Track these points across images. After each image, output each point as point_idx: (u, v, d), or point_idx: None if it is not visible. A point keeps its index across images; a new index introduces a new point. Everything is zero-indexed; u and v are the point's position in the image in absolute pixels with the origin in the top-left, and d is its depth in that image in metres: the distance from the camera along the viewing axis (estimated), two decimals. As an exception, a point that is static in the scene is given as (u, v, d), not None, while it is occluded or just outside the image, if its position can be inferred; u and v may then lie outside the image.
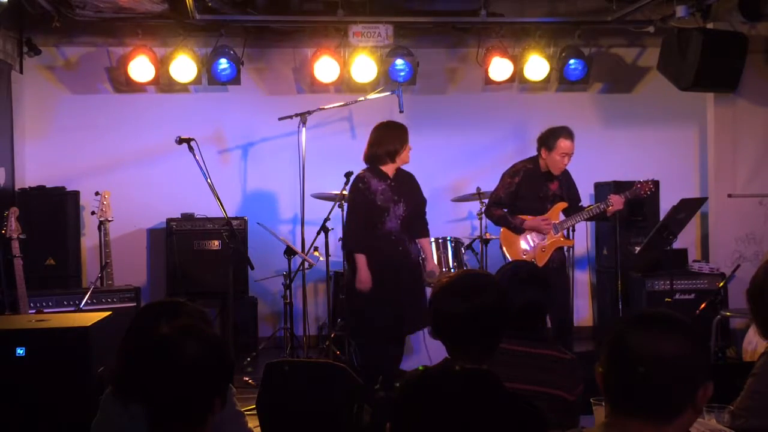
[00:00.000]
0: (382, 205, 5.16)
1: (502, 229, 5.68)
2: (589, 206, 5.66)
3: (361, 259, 5.11)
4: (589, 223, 7.28)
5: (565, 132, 5.48)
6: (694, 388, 1.66)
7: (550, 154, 5.47)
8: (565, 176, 5.67)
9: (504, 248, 5.64)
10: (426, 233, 5.48)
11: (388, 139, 5.22)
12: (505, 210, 5.58)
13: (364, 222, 5.17)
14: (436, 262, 6.10)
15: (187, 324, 1.95)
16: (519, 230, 5.53)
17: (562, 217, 5.61)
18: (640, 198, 5.80)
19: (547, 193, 5.58)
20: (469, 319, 2.31)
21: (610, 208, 5.53)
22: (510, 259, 5.54)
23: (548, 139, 5.49)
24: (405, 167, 5.34)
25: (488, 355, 2.35)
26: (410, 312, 5.18)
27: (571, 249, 6.10)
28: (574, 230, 6.02)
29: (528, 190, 5.56)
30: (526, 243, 5.56)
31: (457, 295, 2.34)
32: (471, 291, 2.34)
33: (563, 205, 5.61)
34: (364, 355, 5.58)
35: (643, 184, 5.66)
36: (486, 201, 6.47)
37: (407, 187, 5.31)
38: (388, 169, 5.23)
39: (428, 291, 5.10)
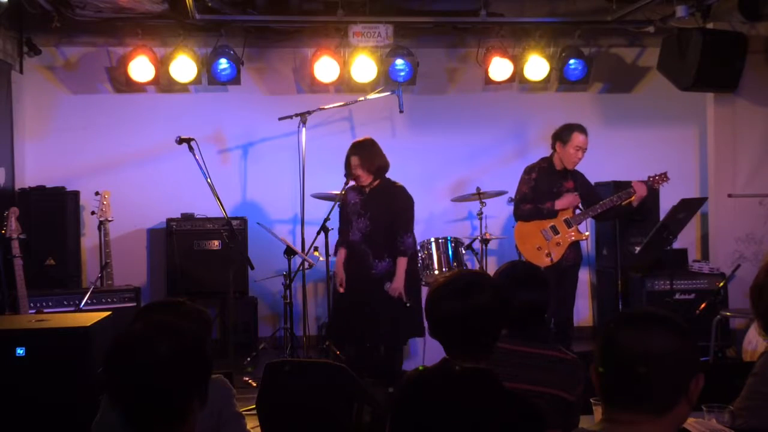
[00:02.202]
0: (348, 217, 5.52)
1: (516, 226, 5.72)
2: (608, 198, 5.70)
3: (338, 257, 5.57)
4: (589, 222, 7.28)
5: (580, 127, 5.67)
6: (686, 380, 1.71)
7: (565, 148, 5.59)
8: (581, 177, 5.79)
9: (518, 246, 5.68)
10: (398, 252, 5.39)
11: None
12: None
13: (341, 228, 5.62)
14: (436, 262, 6.14)
15: (162, 324, 1.89)
16: (552, 213, 5.61)
17: (575, 212, 5.67)
18: (654, 189, 5.86)
19: (561, 189, 5.66)
20: (466, 319, 2.32)
21: (634, 197, 5.57)
22: (524, 256, 5.58)
23: (563, 133, 5.65)
24: (397, 180, 5.57)
25: (486, 354, 2.36)
26: (366, 324, 5.38)
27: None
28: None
29: (542, 187, 5.67)
30: (541, 238, 5.59)
31: (454, 295, 2.34)
32: (467, 290, 2.34)
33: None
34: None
35: (658, 177, 5.72)
36: (486, 201, 6.50)
37: (379, 202, 5.45)
38: (361, 185, 5.49)
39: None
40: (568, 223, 5.62)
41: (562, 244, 5.59)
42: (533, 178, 5.70)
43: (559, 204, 5.60)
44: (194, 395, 1.84)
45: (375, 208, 5.44)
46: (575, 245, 5.66)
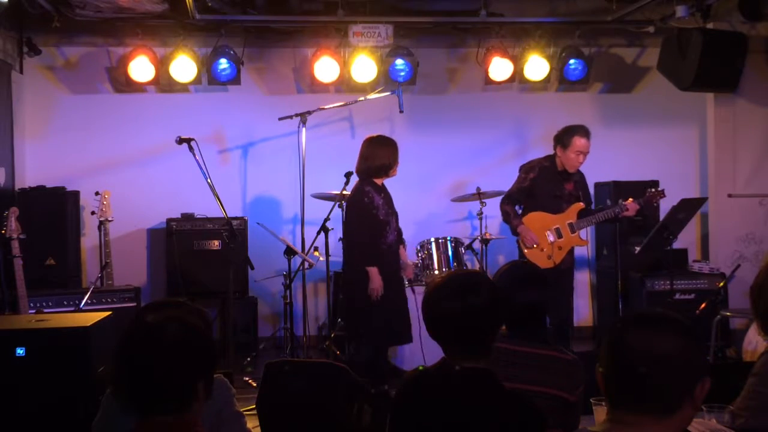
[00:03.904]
0: (384, 219, 5.30)
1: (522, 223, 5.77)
2: (600, 207, 5.74)
3: (373, 272, 5.19)
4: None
5: (582, 130, 5.61)
6: (692, 384, 1.70)
7: (566, 152, 5.57)
8: (581, 178, 5.78)
9: (520, 243, 5.69)
10: (402, 242, 5.66)
11: (382, 155, 5.34)
12: (517, 207, 5.65)
13: (369, 236, 5.26)
14: (436, 262, 6.16)
15: (169, 314, 1.99)
16: (513, 232, 5.60)
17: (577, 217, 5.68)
18: (652, 205, 5.86)
19: (563, 192, 5.65)
20: (464, 319, 2.32)
21: (625, 213, 5.59)
22: (526, 255, 5.60)
23: (564, 136, 5.61)
24: (398, 180, 5.52)
25: (485, 353, 2.36)
26: (408, 319, 5.38)
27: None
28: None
29: (544, 188, 5.65)
30: (544, 240, 5.60)
31: (451, 295, 2.34)
32: (465, 290, 2.34)
33: (580, 206, 5.69)
34: (367, 357, 5.53)
35: (655, 192, 5.73)
36: (486, 201, 6.50)
37: (390, 199, 5.48)
38: (380, 182, 5.40)
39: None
40: (572, 228, 5.62)
41: (564, 248, 5.59)
42: (530, 178, 5.66)
43: (521, 229, 5.58)
44: (200, 378, 1.91)
45: (393, 205, 5.47)
46: (570, 250, 5.66)
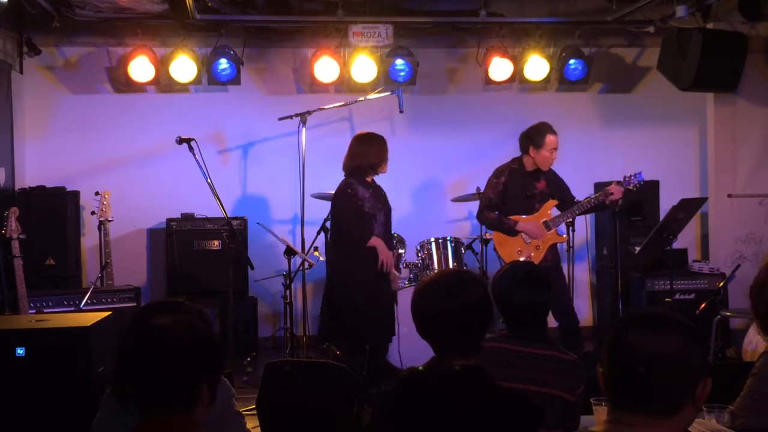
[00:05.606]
0: (369, 212, 5.30)
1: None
2: (585, 199, 5.67)
3: (377, 242, 5.22)
4: (589, 222, 7.28)
5: (549, 128, 5.57)
6: (693, 384, 1.69)
7: (540, 152, 5.53)
8: (552, 175, 5.70)
9: (497, 249, 5.65)
10: (394, 247, 5.67)
11: (371, 153, 5.36)
12: (497, 213, 5.61)
13: (356, 224, 5.26)
14: (435, 262, 6.14)
15: (177, 316, 2.01)
16: (513, 232, 5.55)
17: (554, 213, 5.63)
18: (629, 190, 5.78)
19: (534, 191, 5.60)
20: (454, 318, 2.32)
21: (611, 197, 5.53)
22: (504, 260, 5.55)
23: (535, 137, 5.55)
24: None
25: (475, 351, 2.36)
26: (393, 316, 5.39)
27: (571, 248, 6.10)
28: (574, 230, 6.02)
29: (514, 190, 5.59)
30: (520, 242, 5.57)
31: (441, 294, 2.35)
32: (454, 289, 2.35)
33: (553, 203, 5.64)
34: (358, 355, 5.54)
35: (630, 177, 5.64)
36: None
37: (383, 196, 5.47)
38: (369, 179, 5.39)
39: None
40: (547, 226, 5.58)
41: (542, 248, 5.54)
42: (502, 182, 5.60)
43: (521, 226, 5.51)
44: (203, 379, 1.92)
45: (384, 201, 5.46)
46: (552, 247, 5.63)
